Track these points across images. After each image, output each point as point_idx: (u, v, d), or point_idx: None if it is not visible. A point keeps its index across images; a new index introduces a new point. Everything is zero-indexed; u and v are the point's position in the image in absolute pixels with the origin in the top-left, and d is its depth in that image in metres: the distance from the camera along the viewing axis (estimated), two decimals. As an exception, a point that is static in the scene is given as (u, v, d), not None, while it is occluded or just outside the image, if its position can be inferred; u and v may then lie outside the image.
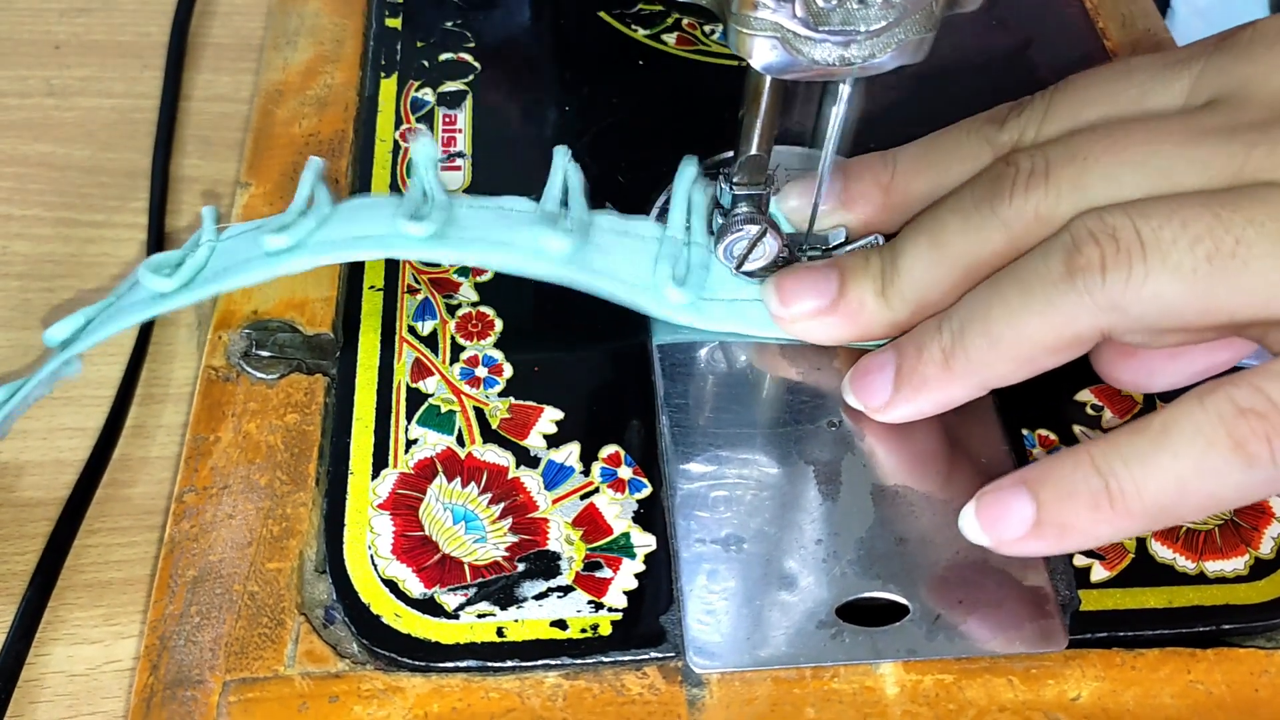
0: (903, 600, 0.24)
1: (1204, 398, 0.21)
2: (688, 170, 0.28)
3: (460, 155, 0.31)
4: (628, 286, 0.26)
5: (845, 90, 0.24)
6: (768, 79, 0.24)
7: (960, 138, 0.26)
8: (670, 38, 0.34)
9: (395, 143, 0.31)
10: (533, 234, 0.26)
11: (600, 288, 0.26)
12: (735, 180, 0.26)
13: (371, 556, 0.24)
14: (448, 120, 0.31)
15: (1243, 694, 0.23)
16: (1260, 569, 0.25)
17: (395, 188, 0.30)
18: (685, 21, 0.34)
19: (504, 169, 0.30)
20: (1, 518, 0.34)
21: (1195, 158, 0.23)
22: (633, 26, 0.34)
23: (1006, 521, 0.23)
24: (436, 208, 0.26)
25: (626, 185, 0.30)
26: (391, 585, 0.23)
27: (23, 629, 0.31)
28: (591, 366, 0.27)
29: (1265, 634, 0.24)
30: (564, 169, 0.27)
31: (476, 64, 0.33)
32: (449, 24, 0.34)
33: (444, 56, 0.33)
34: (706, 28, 0.34)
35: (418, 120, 0.31)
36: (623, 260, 0.27)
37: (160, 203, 0.41)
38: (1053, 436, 0.26)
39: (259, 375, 0.26)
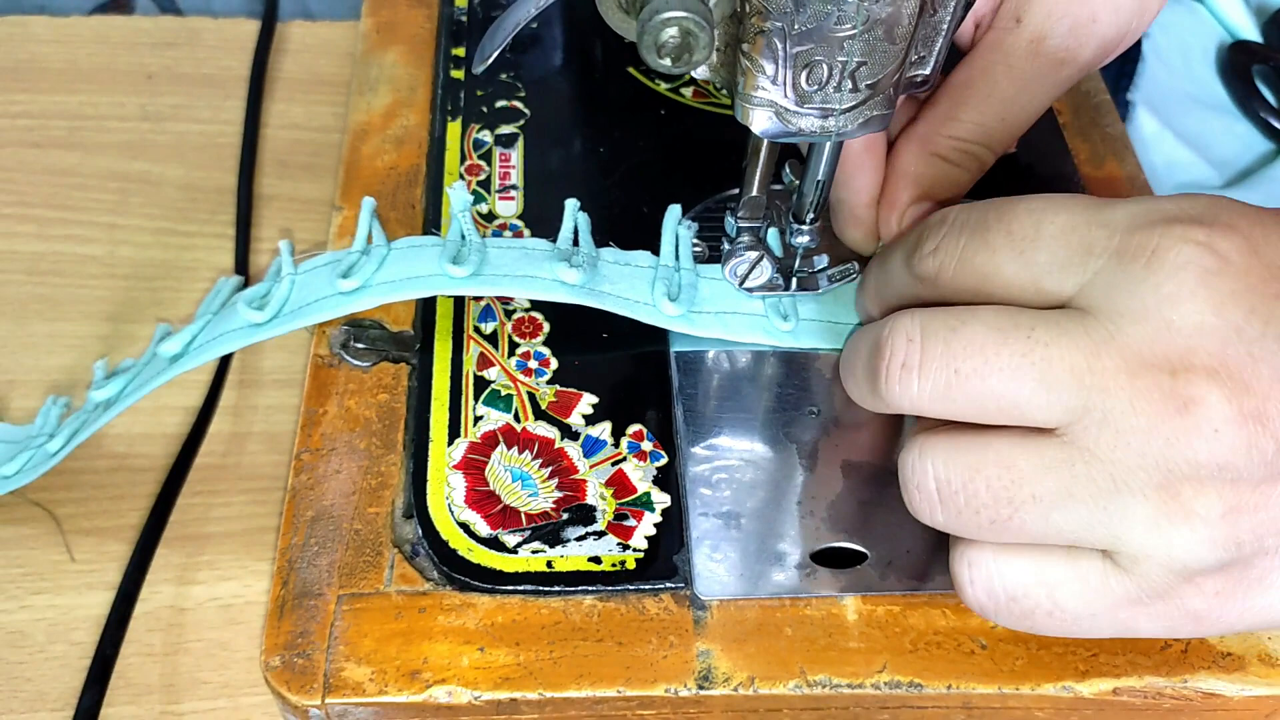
0: (863, 549, 0.30)
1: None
2: (673, 213, 0.34)
3: (514, 188, 0.37)
4: (631, 304, 0.33)
5: (826, 149, 0.31)
6: (765, 141, 0.30)
7: (893, 265, 0.29)
8: (688, 91, 0.41)
9: (461, 175, 0.37)
10: (552, 268, 0.32)
11: (609, 306, 0.32)
12: (739, 215, 0.33)
13: (448, 505, 0.30)
14: (504, 158, 0.38)
15: (1126, 627, 0.30)
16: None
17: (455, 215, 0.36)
18: (700, 79, 0.41)
19: (549, 199, 0.37)
20: (116, 479, 0.40)
21: (1041, 397, 0.24)
22: (656, 81, 0.41)
23: None
24: (473, 249, 0.32)
25: (649, 215, 0.36)
26: (464, 527, 0.30)
27: (134, 571, 0.37)
28: (621, 364, 0.33)
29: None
30: (574, 216, 0.34)
31: (526, 110, 0.39)
32: (503, 76, 0.40)
33: (499, 104, 0.40)
34: (717, 83, 0.40)
35: (479, 157, 0.38)
36: (626, 285, 0.33)
37: (245, 217, 0.47)
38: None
39: (356, 363, 0.33)
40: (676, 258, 0.34)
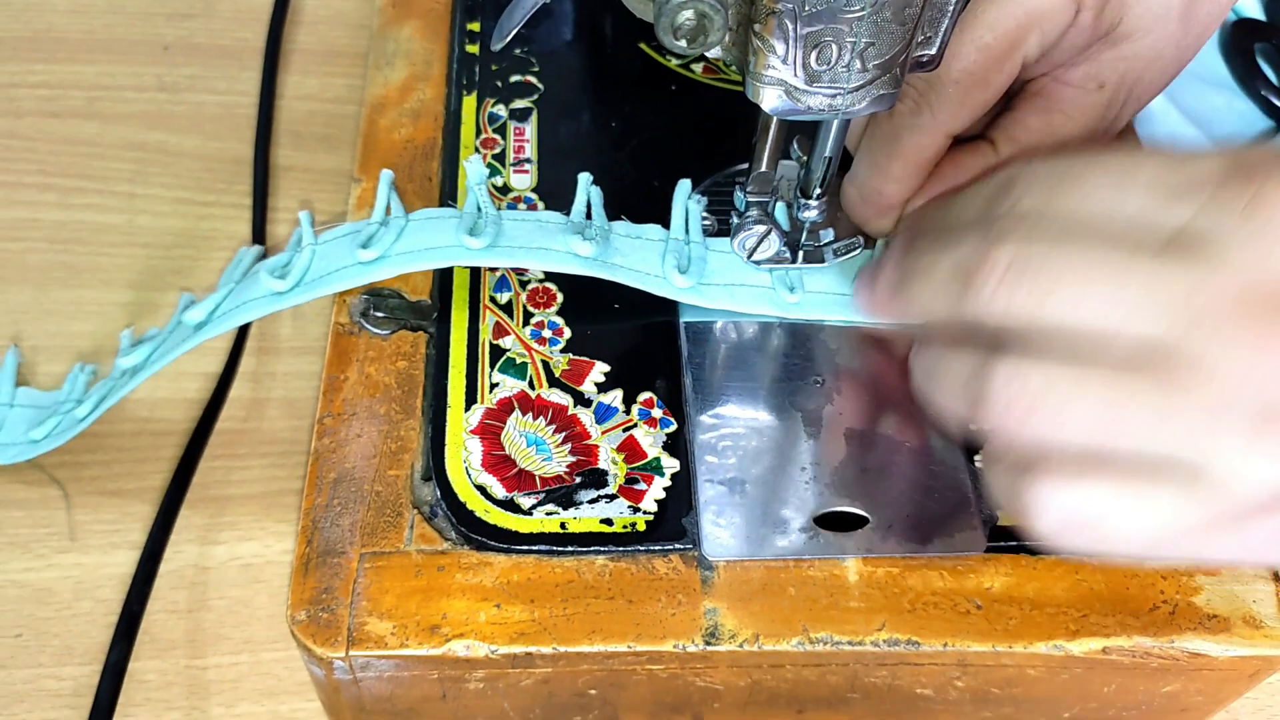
0: (864, 514, 0.31)
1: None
2: (683, 188, 0.35)
3: (528, 161, 0.38)
4: (643, 276, 0.34)
5: (834, 127, 0.32)
6: (774, 118, 0.31)
7: (967, 212, 0.29)
8: (698, 67, 0.42)
9: (476, 149, 0.38)
10: (566, 241, 0.33)
11: (621, 278, 0.33)
12: (748, 190, 0.34)
13: (466, 468, 0.31)
14: (518, 132, 0.39)
15: (1116, 590, 0.31)
16: (1138, 500, 0.32)
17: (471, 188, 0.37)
18: (712, 57, 0.42)
19: (563, 172, 0.38)
20: (139, 443, 0.42)
21: (1143, 316, 0.24)
22: (667, 57, 0.42)
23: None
24: (489, 222, 0.33)
25: (660, 189, 0.37)
26: (481, 489, 0.31)
27: (159, 531, 0.39)
28: (632, 334, 0.35)
29: (1138, 548, 0.32)
30: (587, 189, 0.34)
31: (540, 85, 0.40)
32: (517, 51, 0.41)
33: (514, 78, 0.40)
34: (727, 60, 0.41)
35: (494, 131, 0.39)
36: (637, 257, 0.34)
37: (262, 187, 0.48)
38: (986, 396, 0.34)
39: (375, 331, 0.34)
40: (686, 231, 0.35)
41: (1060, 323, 0.25)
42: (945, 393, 0.27)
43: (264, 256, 0.44)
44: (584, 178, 0.34)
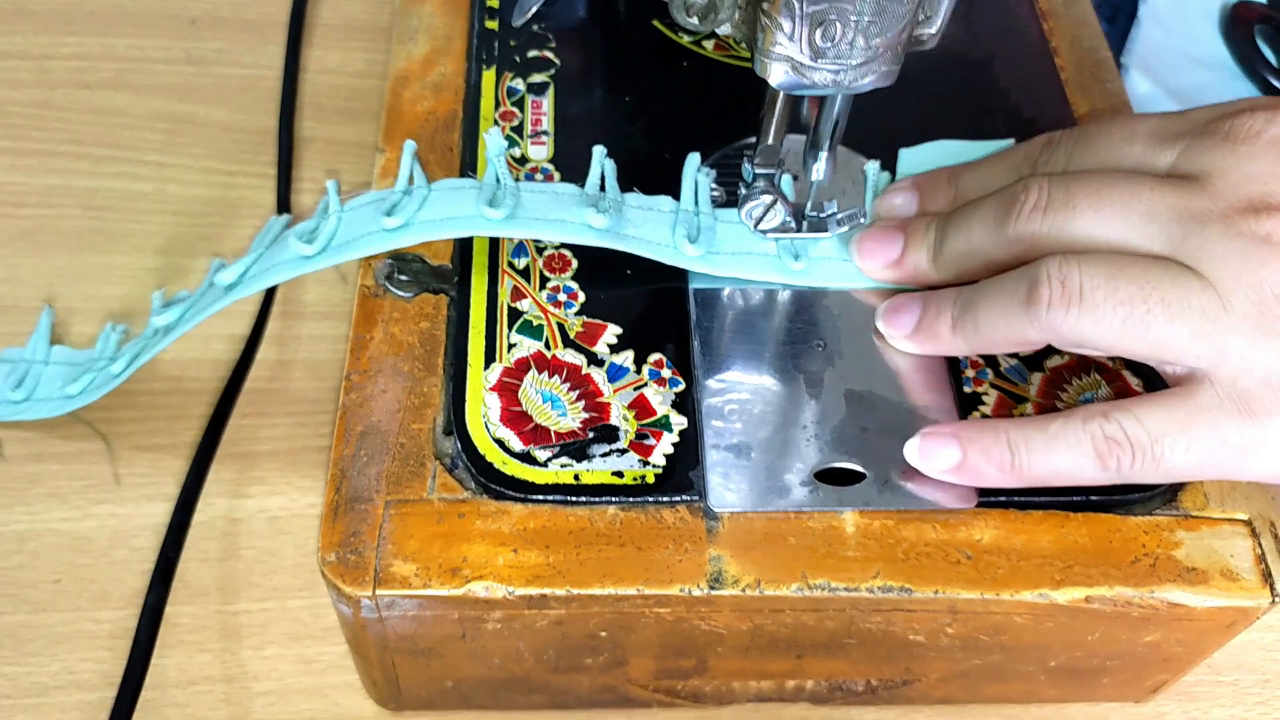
0: (862, 469, 0.33)
1: (1086, 420, 0.30)
2: (693, 161, 0.37)
3: (545, 133, 0.40)
4: (654, 246, 0.35)
5: (838, 102, 0.33)
6: (781, 93, 0.33)
7: (1005, 170, 0.34)
8: (709, 44, 0.43)
9: (496, 121, 0.40)
10: (581, 213, 0.35)
11: (634, 248, 0.35)
12: (756, 162, 0.35)
13: (485, 423, 0.33)
14: (535, 105, 0.40)
15: (1100, 544, 0.32)
16: (1123, 460, 0.34)
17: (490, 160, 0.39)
18: (723, 34, 0.43)
19: (578, 144, 0.39)
20: (170, 401, 0.44)
21: (1148, 229, 0.30)
22: (679, 34, 0.43)
23: (936, 460, 0.32)
24: (508, 193, 0.35)
25: (671, 161, 0.39)
26: (499, 443, 0.33)
27: (192, 483, 0.41)
28: (643, 298, 0.36)
29: (1122, 505, 0.33)
30: (601, 162, 0.36)
31: (557, 60, 0.42)
32: (535, 27, 0.43)
33: (531, 53, 0.42)
34: (737, 38, 0.43)
35: (512, 104, 0.40)
36: (649, 229, 0.36)
37: (287, 157, 0.50)
38: (980, 360, 0.35)
39: (399, 293, 0.36)
40: (696, 202, 0.37)
41: (1084, 239, 0.30)
42: (992, 311, 0.31)
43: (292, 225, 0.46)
44: (598, 150, 0.36)
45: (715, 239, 0.36)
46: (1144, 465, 0.30)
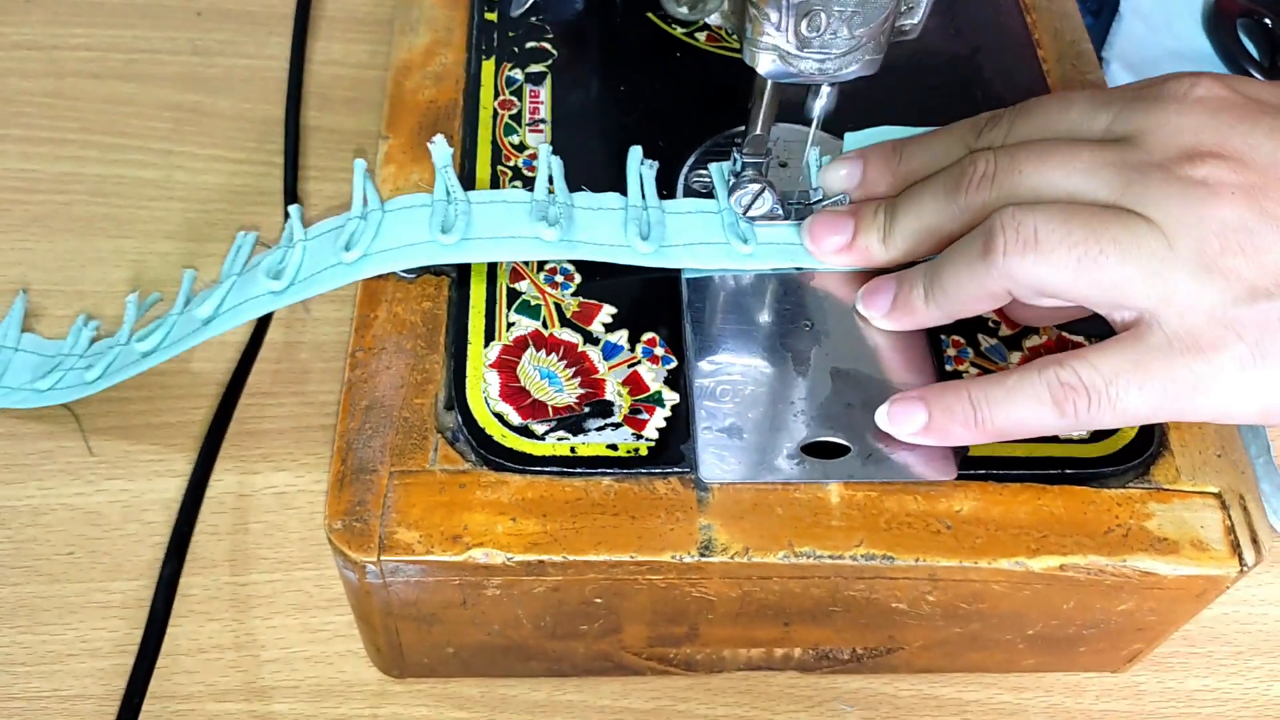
0: (847, 443, 0.34)
1: (1041, 369, 0.31)
2: (635, 155, 0.38)
3: (543, 122, 0.41)
4: (608, 249, 0.36)
5: (825, 90, 0.34)
6: (769, 82, 0.34)
7: (950, 142, 0.36)
8: (701, 35, 0.44)
9: (495, 110, 0.41)
10: (532, 227, 0.36)
11: (587, 255, 0.36)
12: (744, 151, 0.37)
13: (485, 398, 0.34)
14: (533, 94, 0.42)
15: (1074, 515, 0.34)
16: (1097, 435, 0.35)
17: (496, 144, 0.40)
18: (713, 25, 0.45)
19: (574, 133, 0.41)
20: (180, 380, 0.45)
21: (1092, 181, 0.31)
22: (672, 26, 0.45)
23: (906, 422, 0.33)
24: (459, 209, 0.36)
25: (665, 148, 0.40)
26: (499, 416, 0.34)
27: (204, 460, 0.42)
28: (637, 281, 0.37)
29: (1097, 479, 0.35)
30: (548, 163, 0.37)
31: (554, 51, 0.43)
32: (533, 19, 0.44)
33: (529, 44, 0.43)
34: (728, 29, 0.44)
35: (510, 93, 0.42)
36: (600, 230, 0.37)
37: (293, 147, 0.51)
38: (960, 340, 0.37)
39: (402, 274, 0.37)
40: (643, 197, 0.38)
41: (1032, 198, 0.32)
42: (957, 270, 0.33)
43: (261, 243, 0.47)
44: (544, 149, 0.37)
45: (665, 232, 0.37)
46: (1100, 409, 0.31)
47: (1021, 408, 0.32)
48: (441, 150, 0.36)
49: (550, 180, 0.37)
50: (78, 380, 0.42)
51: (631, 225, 0.37)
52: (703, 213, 0.38)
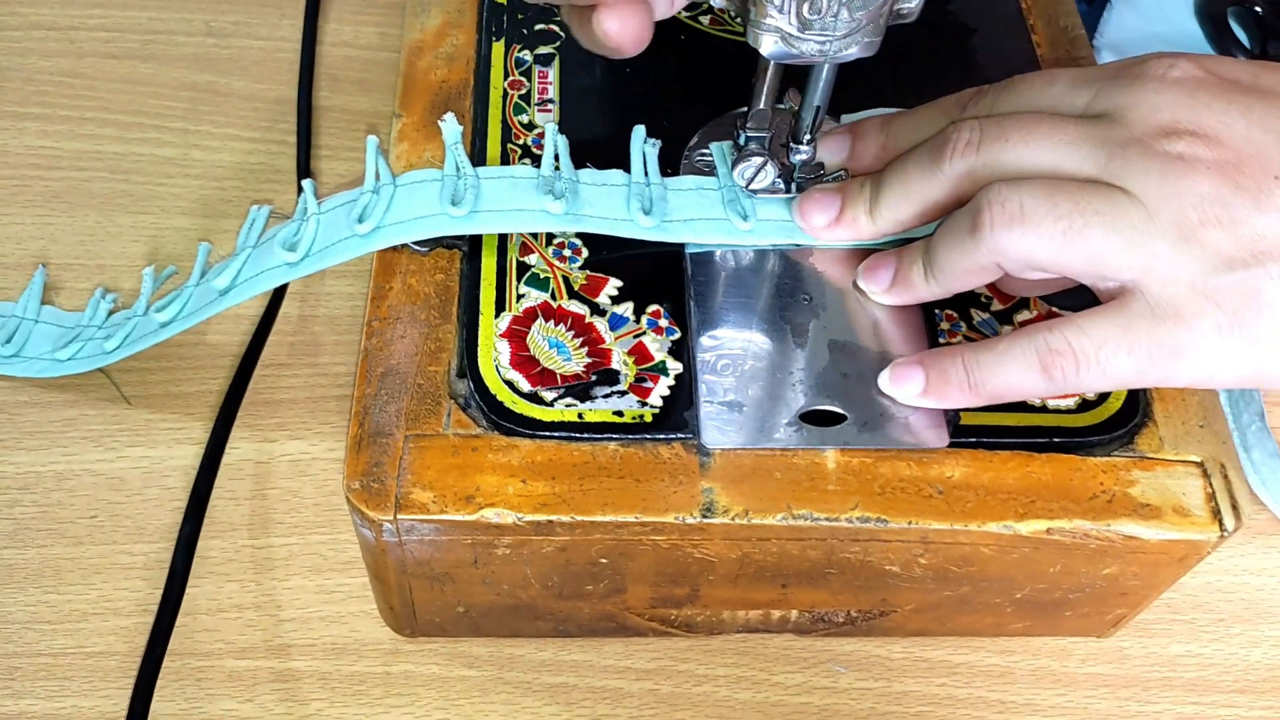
0: (843, 411, 0.36)
1: (1031, 335, 0.33)
2: (638, 133, 0.39)
3: (551, 101, 0.42)
4: (611, 223, 0.38)
5: (825, 71, 0.36)
6: (771, 62, 0.35)
7: (935, 115, 0.37)
8: (705, 19, 0.46)
9: (505, 90, 0.43)
10: (539, 200, 0.37)
11: (591, 228, 0.37)
12: (747, 126, 0.38)
13: (496, 366, 0.36)
14: (542, 75, 0.43)
15: (1061, 481, 0.35)
16: (1084, 405, 0.37)
17: (505, 123, 0.41)
18: (717, 7, 0.46)
19: (583, 112, 0.42)
20: (198, 352, 0.46)
21: (1076, 155, 0.32)
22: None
23: (905, 385, 0.35)
24: (468, 183, 0.37)
25: (671, 128, 0.41)
26: (509, 384, 0.35)
27: (222, 426, 0.43)
28: (643, 255, 0.39)
29: (1083, 447, 0.36)
30: (554, 140, 0.38)
31: (561, 33, 0.44)
32: (541, 2, 0.45)
33: (538, 26, 0.45)
34: (731, 11, 0.45)
35: (520, 74, 0.43)
36: (604, 205, 0.38)
37: (306, 126, 0.52)
38: (954, 314, 0.38)
39: (416, 248, 0.38)
40: (646, 174, 0.39)
41: (1015, 170, 0.33)
42: (949, 246, 0.34)
43: (274, 215, 0.48)
44: (550, 128, 0.38)
45: (667, 208, 0.38)
46: (1088, 373, 0.32)
47: (1011, 372, 0.33)
48: (451, 128, 0.37)
49: (556, 157, 0.38)
50: (97, 350, 0.43)
51: (634, 200, 0.38)
52: (703, 190, 0.39)
